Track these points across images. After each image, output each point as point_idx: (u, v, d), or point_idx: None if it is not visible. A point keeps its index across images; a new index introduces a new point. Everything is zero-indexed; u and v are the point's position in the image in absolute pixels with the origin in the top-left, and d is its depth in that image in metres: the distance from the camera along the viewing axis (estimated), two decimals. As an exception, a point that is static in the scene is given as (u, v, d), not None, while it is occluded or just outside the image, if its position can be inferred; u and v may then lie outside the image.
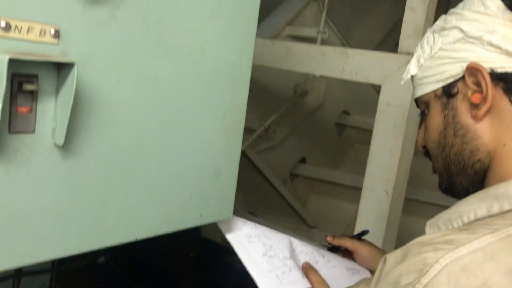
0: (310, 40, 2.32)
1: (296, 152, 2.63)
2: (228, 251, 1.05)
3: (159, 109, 0.76)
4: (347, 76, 1.51)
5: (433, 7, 1.42)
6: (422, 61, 0.71)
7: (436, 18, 0.76)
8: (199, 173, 0.85)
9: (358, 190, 1.70)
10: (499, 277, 0.49)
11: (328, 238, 1.02)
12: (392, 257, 0.58)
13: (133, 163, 0.74)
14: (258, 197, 2.44)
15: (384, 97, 1.43)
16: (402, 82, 0.79)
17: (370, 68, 1.45)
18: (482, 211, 0.59)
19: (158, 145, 0.77)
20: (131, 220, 0.76)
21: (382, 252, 0.99)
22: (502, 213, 0.58)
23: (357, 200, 1.53)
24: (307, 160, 2.68)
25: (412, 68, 0.73)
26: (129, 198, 0.75)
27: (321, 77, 2.47)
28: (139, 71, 0.71)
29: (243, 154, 2.29)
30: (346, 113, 2.86)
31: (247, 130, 2.35)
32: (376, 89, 2.38)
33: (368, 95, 2.62)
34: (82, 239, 0.70)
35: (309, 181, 2.68)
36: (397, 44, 1.45)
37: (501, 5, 0.63)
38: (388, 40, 2.87)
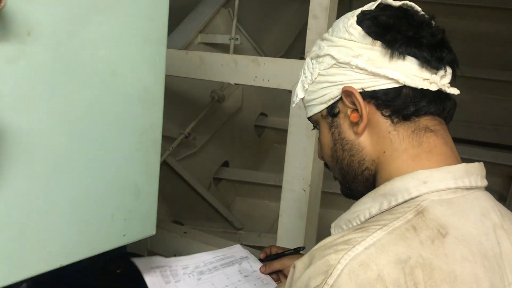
0: (224, 47, 2.36)
1: (218, 157, 2.67)
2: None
3: (74, 136, 0.77)
4: (259, 83, 1.56)
5: (334, 14, 1.51)
6: (306, 85, 0.78)
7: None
8: (120, 194, 0.86)
9: (280, 188, 1.76)
10: (389, 267, 0.56)
11: (262, 269, 1.13)
12: (301, 263, 0.63)
13: (53, 190, 0.75)
14: (184, 205, 2.44)
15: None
16: (292, 105, 0.85)
17: (280, 75, 1.52)
18: (375, 209, 0.67)
19: (76, 170, 0.78)
20: (55, 247, 0.76)
21: None
22: (390, 209, 0.66)
23: (280, 198, 1.59)
24: (229, 163, 2.73)
25: (299, 92, 0.79)
26: (51, 226, 0.75)
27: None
28: (51, 101, 0.72)
29: (165, 163, 2.29)
30: (263, 115, 2.95)
31: (167, 139, 2.35)
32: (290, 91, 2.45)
33: (283, 97, 2.68)
34: (3, 272, 0.70)
35: (233, 184, 2.73)
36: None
37: (361, 31, 0.70)
38: (298, 41, 2.98)
